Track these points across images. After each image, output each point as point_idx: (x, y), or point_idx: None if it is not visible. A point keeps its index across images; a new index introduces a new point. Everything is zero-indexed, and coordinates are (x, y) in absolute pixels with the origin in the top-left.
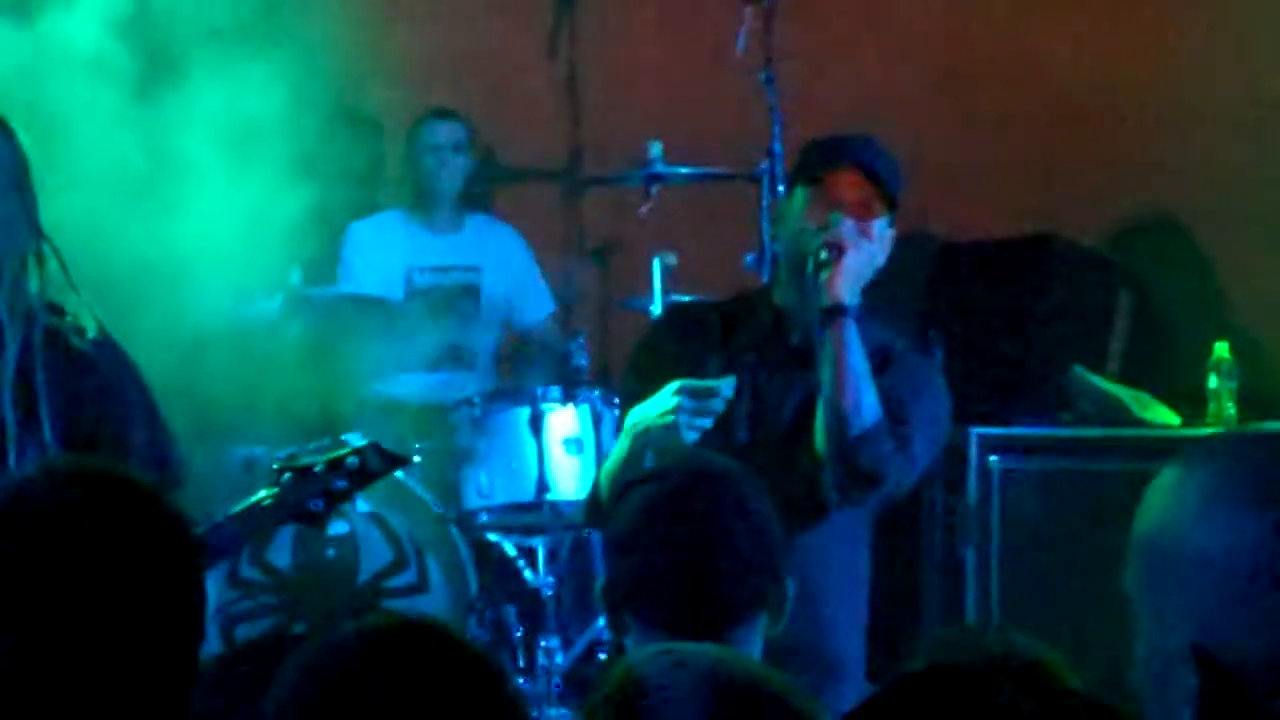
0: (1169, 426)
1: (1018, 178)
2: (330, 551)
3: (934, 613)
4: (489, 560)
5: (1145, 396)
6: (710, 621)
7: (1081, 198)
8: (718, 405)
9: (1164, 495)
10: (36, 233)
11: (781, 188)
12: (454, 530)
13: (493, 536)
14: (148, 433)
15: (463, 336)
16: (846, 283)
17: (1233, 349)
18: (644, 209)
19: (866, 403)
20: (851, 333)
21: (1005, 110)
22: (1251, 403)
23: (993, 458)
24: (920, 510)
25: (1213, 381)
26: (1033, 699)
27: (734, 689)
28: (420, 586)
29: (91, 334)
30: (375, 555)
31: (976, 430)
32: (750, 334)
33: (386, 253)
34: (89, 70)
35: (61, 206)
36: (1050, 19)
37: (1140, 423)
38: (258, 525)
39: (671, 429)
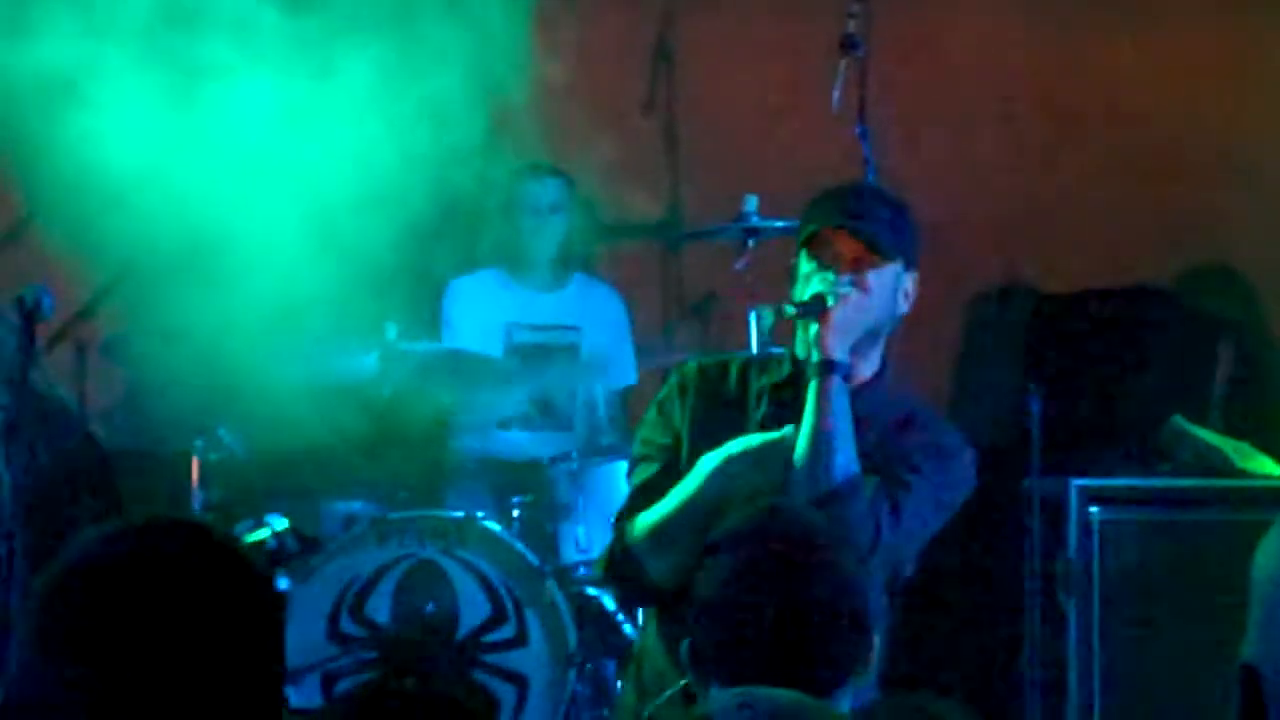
0: (1271, 477)
1: (1118, 231)
2: (430, 606)
3: (1036, 664)
4: (588, 614)
5: (1246, 447)
6: (799, 687)
7: (1183, 250)
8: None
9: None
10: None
11: None
12: (552, 584)
13: (591, 590)
14: (92, 498)
15: (559, 395)
16: (835, 338)
17: None
18: (740, 263)
19: (839, 462)
20: (837, 389)
21: (1099, 164)
22: None
23: (1093, 509)
24: (1020, 562)
25: None
26: None
27: None
28: (519, 640)
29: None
30: (474, 609)
31: (1076, 481)
32: (768, 385)
33: (487, 310)
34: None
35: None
36: (1143, 74)
37: (1241, 473)
38: None
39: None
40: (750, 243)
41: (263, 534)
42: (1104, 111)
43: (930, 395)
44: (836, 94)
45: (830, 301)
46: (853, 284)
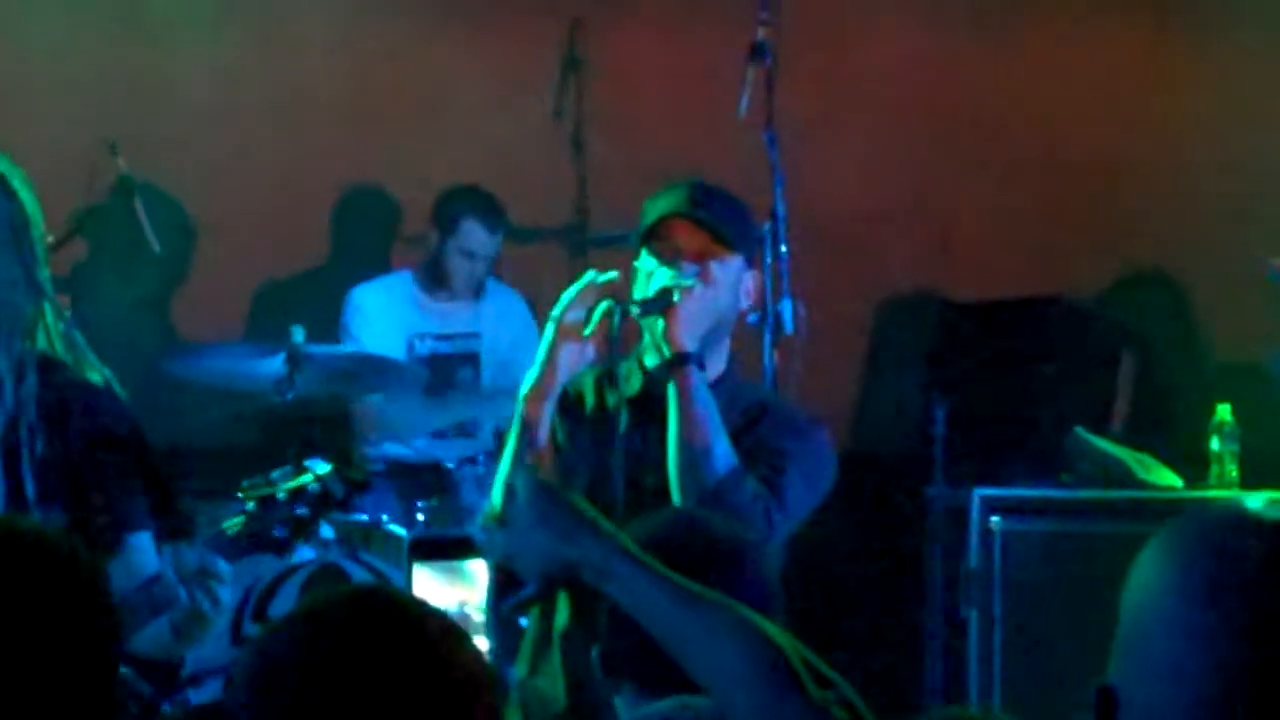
0: (1171, 489)
1: (1021, 239)
2: None
3: (937, 672)
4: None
5: (1148, 459)
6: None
7: (1084, 260)
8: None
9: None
10: (39, 291)
11: (784, 248)
12: None
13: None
14: (138, 480)
15: (466, 408)
16: (685, 329)
17: (1235, 412)
18: None
19: (719, 451)
20: (697, 379)
21: (1007, 173)
22: (1254, 465)
23: (994, 518)
24: (922, 570)
25: (1215, 444)
26: None
27: None
28: None
29: (96, 382)
30: None
31: (979, 491)
32: (622, 396)
33: (390, 318)
34: None
35: None
36: (1051, 82)
37: (1142, 485)
38: (223, 553)
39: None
40: None
41: (304, 479)
42: (1017, 120)
43: (836, 402)
44: (744, 101)
45: (676, 296)
46: (698, 276)
